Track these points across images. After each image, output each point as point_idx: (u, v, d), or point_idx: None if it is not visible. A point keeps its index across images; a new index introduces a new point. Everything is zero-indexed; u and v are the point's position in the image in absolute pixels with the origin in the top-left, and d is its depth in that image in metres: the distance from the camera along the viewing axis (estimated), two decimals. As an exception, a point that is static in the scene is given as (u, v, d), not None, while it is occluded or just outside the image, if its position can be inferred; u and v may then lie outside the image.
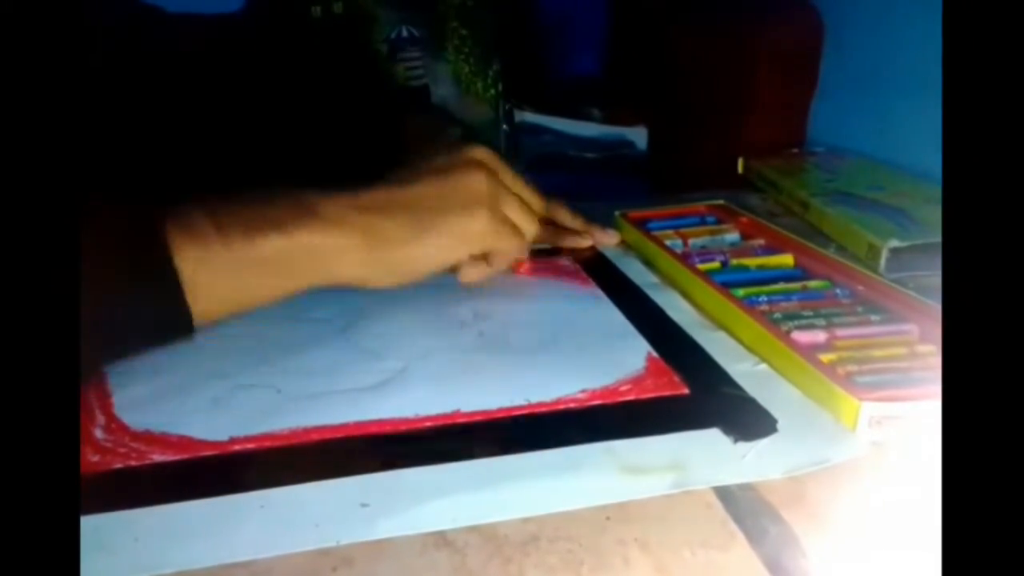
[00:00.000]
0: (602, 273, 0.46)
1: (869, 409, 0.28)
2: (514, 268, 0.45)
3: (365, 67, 0.72)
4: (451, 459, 0.27)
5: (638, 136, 0.79)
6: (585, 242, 0.50)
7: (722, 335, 0.37)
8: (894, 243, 0.43)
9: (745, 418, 0.29)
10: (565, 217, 0.52)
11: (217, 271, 0.29)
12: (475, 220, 0.36)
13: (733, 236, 0.49)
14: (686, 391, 0.32)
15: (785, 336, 0.33)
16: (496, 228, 0.37)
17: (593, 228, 0.51)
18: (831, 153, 0.65)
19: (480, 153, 0.38)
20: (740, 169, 0.66)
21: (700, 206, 0.55)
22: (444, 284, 0.43)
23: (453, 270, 0.40)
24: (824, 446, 0.28)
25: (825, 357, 0.32)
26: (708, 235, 0.49)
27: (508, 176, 0.39)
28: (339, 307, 0.40)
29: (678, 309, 0.40)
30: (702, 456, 0.27)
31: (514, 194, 0.39)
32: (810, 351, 0.32)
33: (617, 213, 0.53)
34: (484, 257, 0.40)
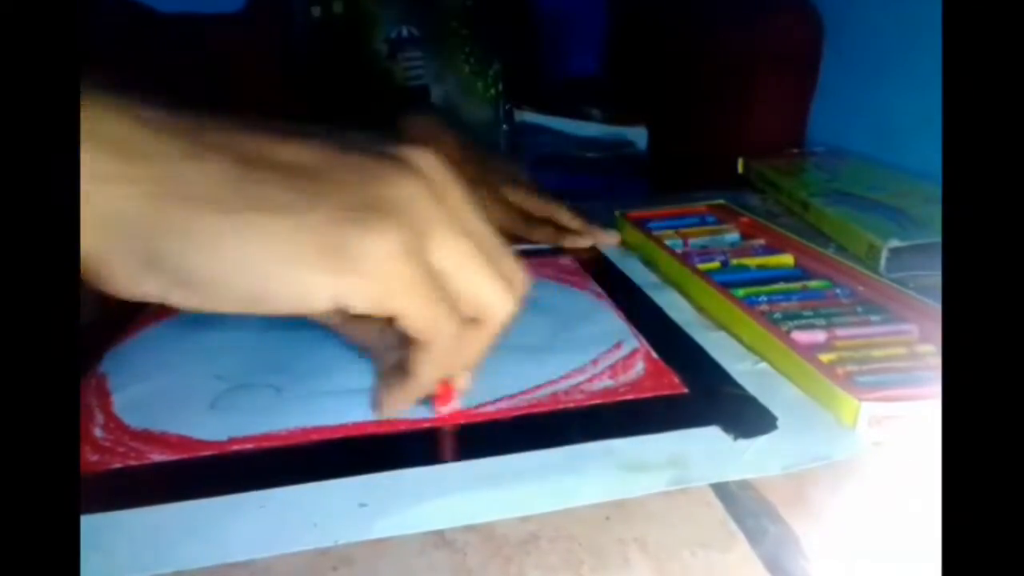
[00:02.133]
0: (602, 273, 0.46)
1: (869, 409, 0.28)
2: (436, 396, 0.29)
3: (365, 67, 0.72)
4: (451, 459, 0.27)
5: (638, 136, 0.79)
6: (585, 242, 0.51)
7: (722, 335, 0.37)
8: (894, 243, 0.43)
9: (745, 416, 0.29)
10: (565, 217, 0.52)
11: None
12: (378, 238, 0.20)
13: (733, 236, 0.49)
14: (686, 391, 0.32)
15: (785, 336, 0.33)
16: (415, 274, 0.21)
17: (593, 228, 0.51)
18: (831, 153, 0.65)
19: (427, 157, 0.23)
20: (740, 169, 0.66)
21: (700, 206, 0.55)
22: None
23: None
24: (824, 444, 0.28)
25: (825, 357, 0.32)
26: (708, 235, 0.49)
27: (463, 208, 0.23)
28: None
29: (678, 309, 0.40)
30: (701, 453, 0.27)
31: (464, 241, 0.23)
32: (810, 351, 0.32)
33: (617, 213, 0.53)
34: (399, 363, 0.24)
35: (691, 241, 0.48)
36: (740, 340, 0.36)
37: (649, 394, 0.32)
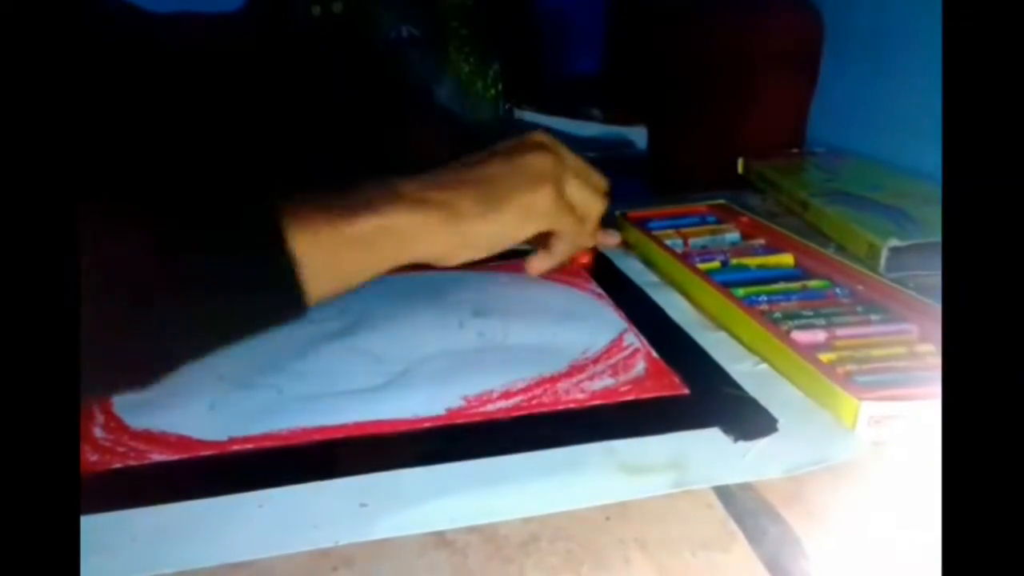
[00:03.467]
0: (602, 273, 0.46)
1: (869, 408, 0.28)
2: (575, 260, 0.46)
3: (365, 68, 0.72)
4: (451, 459, 0.27)
5: (638, 136, 0.78)
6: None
7: (722, 335, 0.37)
8: (894, 243, 0.43)
9: (745, 417, 0.29)
10: None
11: (323, 251, 0.31)
12: (540, 196, 0.37)
13: (733, 236, 0.49)
14: (686, 391, 0.32)
15: (785, 336, 0.33)
16: (560, 207, 0.39)
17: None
18: (831, 153, 0.65)
19: (542, 136, 0.41)
20: (740, 169, 0.66)
21: (700, 206, 0.55)
22: (444, 284, 0.43)
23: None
24: (824, 445, 0.28)
25: (825, 357, 0.32)
26: (708, 235, 0.49)
27: (570, 158, 0.41)
28: (339, 309, 0.40)
29: (678, 309, 0.40)
30: (702, 455, 0.27)
31: (577, 176, 0.40)
32: (810, 351, 0.32)
33: (617, 213, 0.53)
34: (546, 243, 0.42)
35: (691, 241, 0.48)
36: (740, 340, 0.36)
37: (650, 394, 0.32)
